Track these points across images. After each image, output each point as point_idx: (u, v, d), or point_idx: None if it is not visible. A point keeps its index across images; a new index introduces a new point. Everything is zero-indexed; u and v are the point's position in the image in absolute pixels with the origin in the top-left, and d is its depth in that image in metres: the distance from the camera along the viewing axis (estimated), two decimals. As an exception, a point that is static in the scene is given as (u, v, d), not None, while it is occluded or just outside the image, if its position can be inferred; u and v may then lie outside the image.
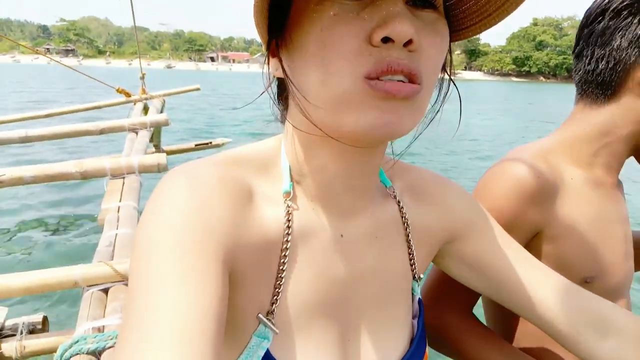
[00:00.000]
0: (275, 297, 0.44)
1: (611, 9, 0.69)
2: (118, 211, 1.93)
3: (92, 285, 1.36)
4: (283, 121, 0.51)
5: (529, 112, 19.77)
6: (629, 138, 0.73)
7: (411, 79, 0.38)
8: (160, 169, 2.25)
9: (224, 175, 0.42)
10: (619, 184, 0.79)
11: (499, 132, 12.49)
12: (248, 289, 0.42)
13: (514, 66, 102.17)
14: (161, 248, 0.35)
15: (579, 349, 0.56)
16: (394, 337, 0.53)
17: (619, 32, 0.68)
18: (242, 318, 0.43)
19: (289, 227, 0.45)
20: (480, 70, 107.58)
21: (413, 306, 0.56)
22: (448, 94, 0.46)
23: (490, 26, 0.43)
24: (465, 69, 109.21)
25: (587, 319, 0.56)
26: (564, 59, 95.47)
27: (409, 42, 0.37)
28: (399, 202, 0.54)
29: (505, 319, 0.82)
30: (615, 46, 0.69)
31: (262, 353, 0.42)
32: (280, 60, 0.41)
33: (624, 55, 0.69)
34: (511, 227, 0.67)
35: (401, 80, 0.37)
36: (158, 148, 4.73)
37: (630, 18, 0.67)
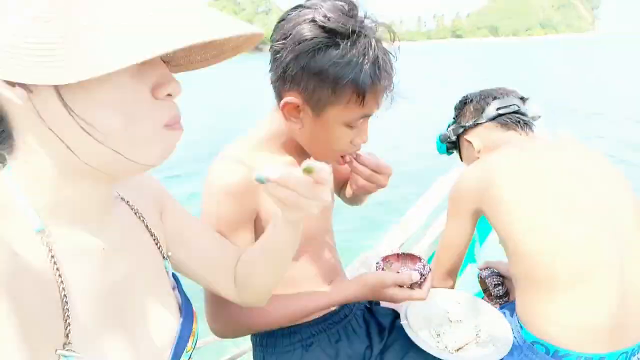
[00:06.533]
0: (67, 328, 0.46)
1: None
2: None
3: None
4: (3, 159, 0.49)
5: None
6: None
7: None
8: None
9: None
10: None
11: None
12: (40, 331, 0.44)
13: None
14: None
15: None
16: (167, 309, 0.62)
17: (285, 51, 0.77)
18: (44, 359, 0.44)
19: (54, 262, 0.46)
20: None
21: (170, 280, 0.66)
22: None
23: (202, 67, 0.55)
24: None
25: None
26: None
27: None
28: (127, 201, 0.62)
29: None
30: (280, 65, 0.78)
31: None
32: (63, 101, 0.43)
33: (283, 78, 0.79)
34: (236, 216, 0.83)
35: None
36: None
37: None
